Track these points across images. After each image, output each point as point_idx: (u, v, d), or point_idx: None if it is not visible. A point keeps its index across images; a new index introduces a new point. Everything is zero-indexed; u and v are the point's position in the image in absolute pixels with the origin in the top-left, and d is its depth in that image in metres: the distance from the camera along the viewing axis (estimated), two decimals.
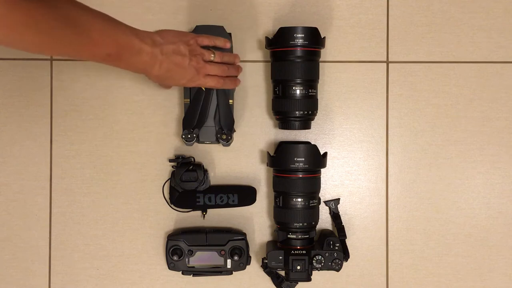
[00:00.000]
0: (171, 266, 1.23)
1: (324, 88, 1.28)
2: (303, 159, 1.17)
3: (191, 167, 1.23)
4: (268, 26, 1.28)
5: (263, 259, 1.22)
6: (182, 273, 1.24)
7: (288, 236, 1.20)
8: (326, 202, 1.28)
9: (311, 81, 1.19)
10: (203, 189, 1.24)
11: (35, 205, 1.29)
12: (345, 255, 1.22)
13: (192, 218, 1.28)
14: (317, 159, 1.19)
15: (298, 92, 1.18)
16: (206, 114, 1.19)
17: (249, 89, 1.28)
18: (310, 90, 1.19)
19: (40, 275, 1.29)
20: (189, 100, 1.20)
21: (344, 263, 1.21)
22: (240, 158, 1.29)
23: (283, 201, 1.19)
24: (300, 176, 1.18)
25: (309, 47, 1.17)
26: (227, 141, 1.19)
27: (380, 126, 1.29)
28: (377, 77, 1.29)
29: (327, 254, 1.19)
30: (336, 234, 1.26)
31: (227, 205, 1.24)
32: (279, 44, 1.18)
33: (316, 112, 1.23)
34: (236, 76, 1.19)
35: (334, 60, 1.28)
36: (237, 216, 1.28)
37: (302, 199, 1.18)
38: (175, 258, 1.22)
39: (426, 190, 1.29)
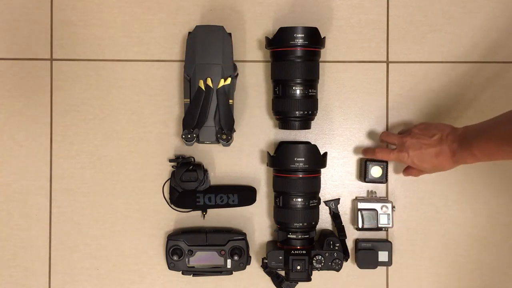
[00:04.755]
0: (171, 266, 1.23)
1: (324, 88, 1.28)
2: (303, 159, 1.17)
3: (191, 167, 1.23)
4: (268, 26, 1.28)
5: (263, 259, 1.22)
6: (182, 273, 1.24)
7: (288, 236, 1.20)
8: (326, 202, 1.28)
9: (311, 81, 1.19)
10: (203, 189, 1.24)
11: (35, 205, 1.29)
12: (345, 255, 1.22)
13: (192, 218, 1.28)
14: (317, 159, 1.19)
15: (298, 92, 1.18)
16: (206, 114, 1.19)
17: (249, 89, 1.28)
18: (310, 90, 1.19)
19: (40, 275, 1.29)
20: (189, 100, 1.20)
21: (344, 263, 1.21)
22: (240, 158, 1.28)
23: (283, 201, 1.19)
24: (300, 176, 1.18)
25: (309, 47, 1.17)
26: (227, 141, 1.19)
27: (380, 126, 1.29)
28: (377, 77, 1.29)
29: (327, 254, 1.19)
30: (336, 234, 1.26)
31: (227, 205, 1.24)
32: (279, 44, 1.18)
33: (316, 112, 1.22)
34: None
35: (334, 60, 1.28)
36: (237, 216, 1.28)
37: (302, 199, 1.18)
38: (175, 258, 1.22)
39: (426, 190, 1.28)
